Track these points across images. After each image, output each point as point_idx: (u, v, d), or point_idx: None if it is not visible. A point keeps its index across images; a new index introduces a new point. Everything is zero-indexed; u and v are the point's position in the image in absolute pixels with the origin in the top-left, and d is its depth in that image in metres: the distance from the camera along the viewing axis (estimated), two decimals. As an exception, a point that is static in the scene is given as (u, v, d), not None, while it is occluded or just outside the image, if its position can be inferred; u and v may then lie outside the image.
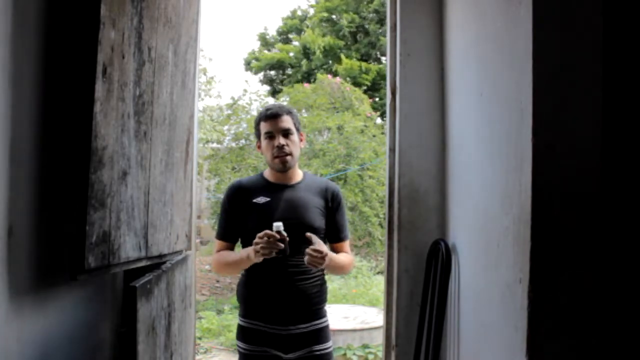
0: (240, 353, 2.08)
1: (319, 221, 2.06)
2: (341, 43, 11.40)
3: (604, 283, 1.33)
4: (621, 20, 1.36)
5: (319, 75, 8.97)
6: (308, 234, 1.95)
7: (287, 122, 2.07)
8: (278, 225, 1.89)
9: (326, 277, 2.17)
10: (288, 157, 2.05)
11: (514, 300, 1.42)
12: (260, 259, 1.91)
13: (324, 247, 1.93)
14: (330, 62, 10.86)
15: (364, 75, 10.56)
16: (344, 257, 2.13)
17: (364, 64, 10.79)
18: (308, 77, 11.05)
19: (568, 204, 1.34)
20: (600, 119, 1.34)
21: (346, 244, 2.18)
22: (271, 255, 1.88)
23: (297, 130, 2.12)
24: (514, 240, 1.44)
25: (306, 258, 1.89)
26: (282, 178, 2.10)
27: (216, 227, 2.22)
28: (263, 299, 2.03)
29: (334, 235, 2.14)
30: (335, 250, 2.16)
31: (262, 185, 2.10)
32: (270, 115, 2.06)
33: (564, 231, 1.33)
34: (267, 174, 2.14)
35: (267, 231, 1.88)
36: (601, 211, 1.34)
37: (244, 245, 2.08)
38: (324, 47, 11.25)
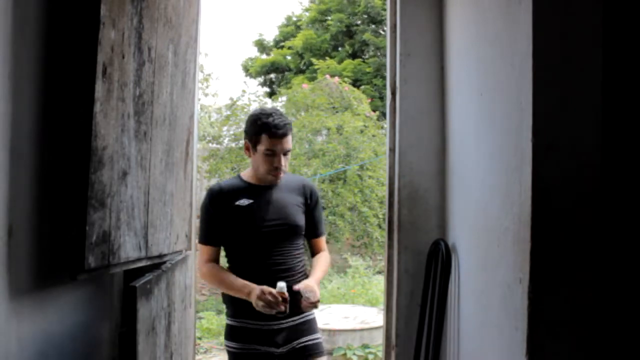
0: (229, 352, 2.06)
1: (301, 219, 2.10)
2: (328, 37, 11.41)
3: (604, 283, 1.33)
4: (621, 20, 1.36)
5: (318, 75, 8.95)
6: (296, 287, 1.97)
7: (290, 141, 2.05)
8: (282, 286, 1.92)
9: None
10: (281, 175, 2.06)
11: (514, 300, 1.42)
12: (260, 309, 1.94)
13: (310, 290, 1.95)
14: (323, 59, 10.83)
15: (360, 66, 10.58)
16: (323, 264, 2.15)
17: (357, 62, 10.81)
18: (302, 73, 11.05)
19: (568, 204, 1.34)
20: (600, 118, 1.34)
21: (323, 240, 2.22)
22: (270, 313, 1.92)
23: None
24: (514, 240, 1.44)
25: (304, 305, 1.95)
26: (263, 180, 2.09)
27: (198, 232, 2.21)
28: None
29: (311, 232, 2.17)
30: (313, 246, 2.20)
31: (243, 188, 2.08)
32: (278, 135, 2.00)
33: (564, 231, 1.33)
34: (246, 176, 2.12)
35: (272, 290, 1.91)
36: (601, 211, 1.34)
37: (229, 251, 2.08)
38: (313, 47, 11.28)
